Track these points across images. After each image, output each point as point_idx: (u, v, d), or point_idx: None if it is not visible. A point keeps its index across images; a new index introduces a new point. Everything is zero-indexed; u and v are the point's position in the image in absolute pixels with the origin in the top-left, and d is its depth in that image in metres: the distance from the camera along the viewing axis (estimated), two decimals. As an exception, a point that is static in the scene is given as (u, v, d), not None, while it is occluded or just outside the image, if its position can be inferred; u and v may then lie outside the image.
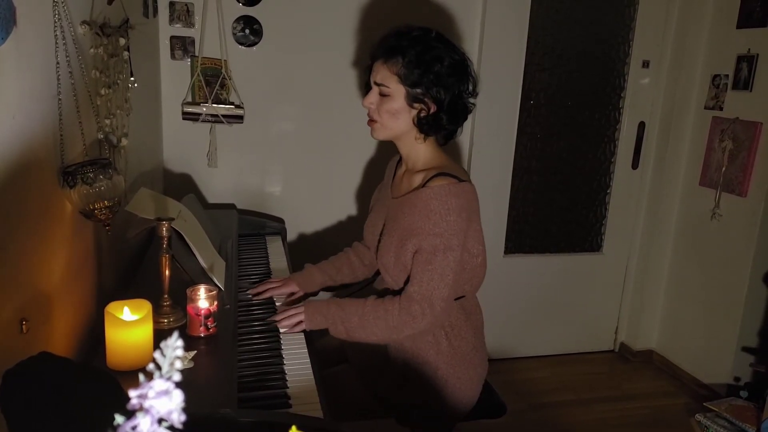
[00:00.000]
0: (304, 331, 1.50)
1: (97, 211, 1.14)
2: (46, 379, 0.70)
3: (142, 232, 1.53)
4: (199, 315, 1.27)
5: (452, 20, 2.54)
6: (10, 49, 0.88)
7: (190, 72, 2.32)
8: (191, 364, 1.17)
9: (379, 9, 2.45)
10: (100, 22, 1.34)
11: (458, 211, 1.41)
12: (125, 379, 0.72)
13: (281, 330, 1.49)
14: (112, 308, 1.11)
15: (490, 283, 1.63)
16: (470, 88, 1.51)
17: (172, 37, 2.29)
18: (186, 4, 2.27)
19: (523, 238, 2.91)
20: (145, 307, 1.13)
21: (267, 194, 2.53)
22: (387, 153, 1.68)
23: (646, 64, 2.82)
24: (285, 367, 1.33)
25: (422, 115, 1.46)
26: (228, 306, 1.44)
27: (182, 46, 2.31)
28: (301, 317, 1.49)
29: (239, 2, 2.31)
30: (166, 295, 1.33)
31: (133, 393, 0.41)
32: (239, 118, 2.34)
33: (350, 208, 2.64)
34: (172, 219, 1.33)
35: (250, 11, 2.33)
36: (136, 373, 0.64)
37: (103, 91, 1.32)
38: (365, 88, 1.54)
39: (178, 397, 0.41)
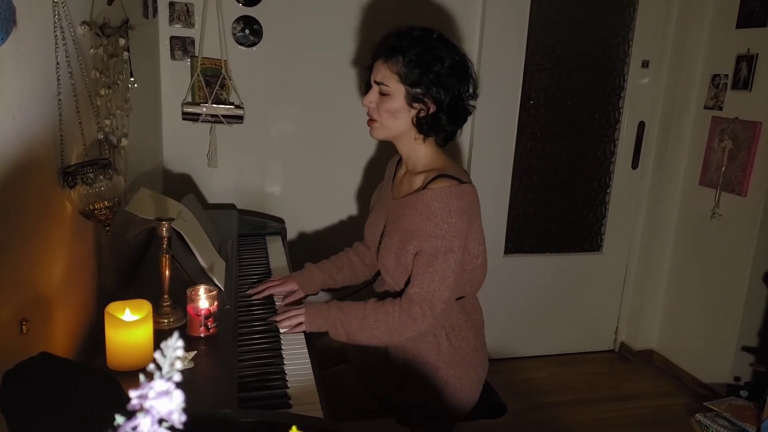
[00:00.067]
0: (304, 331, 1.50)
1: (97, 212, 1.14)
2: (46, 380, 0.70)
3: (142, 233, 1.53)
4: (199, 315, 1.27)
5: (452, 20, 2.54)
6: (10, 50, 0.88)
7: (190, 72, 2.32)
8: (191, 365, 1.17)
9: (379, 9, 2.45)
10: (100, 22, 1.34)
11: (459, 213, 1.41)
12: (125, 379, 0.72)
13: (281, 330, 1.49)
14: (112, 309, 1.11)
15: (490, 283, 1.63)
16: (470, 90, 1.51)
17: (172, 38, 2.29)
18: (186, 5, 2.27)
19: (523, 238, 2.91)
20: (145, 307, 1.13)
21: (267, 194, 2.53)
22: (387, 153, 1.68)
23: (645, 64, 2.82)
24: (285, 368, 1.33)
25: (421, 115, 1.46)
26: (228, 306, 1.44)
27: (182, 46, 2.31)
28: (302, 318, 1.49)
29: (239, 2, 2.32)
30: (166, 296, 1.33)
31: (133, 393, 0.41)
32: (239, 119, 2.34)
33: (350, 208, 2.64)
34: (172, 219, 1.33)
35: (250, 11, 2.33)
36: (137, 373, 0.64)
37: (103, 92, 1.32)
38: (366, 88, 1.54)
39: (178, 397, 0.41)
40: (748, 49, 2.49)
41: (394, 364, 1.54)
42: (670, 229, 2.91)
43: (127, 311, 1.12)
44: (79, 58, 1.20)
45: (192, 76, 2.32)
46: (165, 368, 0.41)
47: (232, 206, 2.44)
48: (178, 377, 0.41)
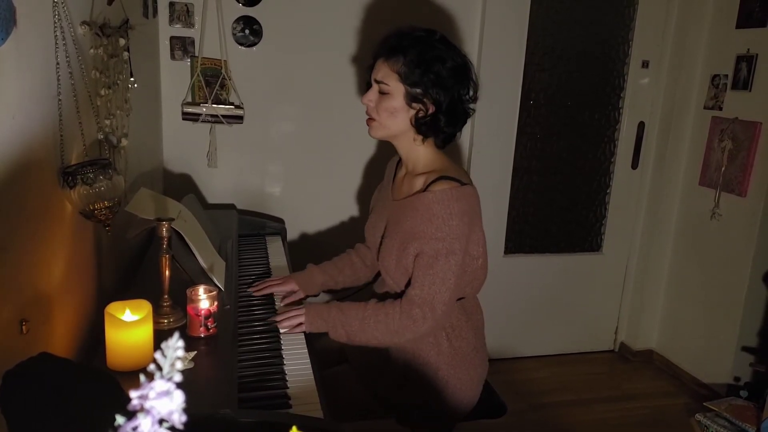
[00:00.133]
0: (304, 331, 1.50)
1: (97, 212, 1.14)
2: (46, 380, 0.70)
3: (142, 233, 1.53)
4: (199, 315, 1.27)
5: (452, 20, 2.54)
6: (10, 50, 0.88)
7: (190, 72, 2.32)
8: (191, 365, 1.17)
9: (379, 9, 2.45)
10: (100, 22, 1.34)
11: (460, 215, 1.40)
12: (125, 379, 0.72)
13: (281, 331, 1.49)
14: (112, 309, 1.11)
15: (490, 283, 1.63)
16: (470, 92, 1.50)
17: (171, 38, 2.29)
18: (186, 5, 2.27)
19: (523, 238, 2.91)
20: (145, 307, 1.13)
21: (267, 194, 2.53)
22: (387, 153, 1.68)
23: (645, 64, 2.82)
24: (285, 368, 1.33)
25: (420, 115, 1.46)
26: (228, 306, 1.44)
27: (182, 46, 2.31)
28: (302, 319, 1.49)
29: (239, 2, 2.31)
30: (166, 296, 1.33)
31: (133, 394, 0.41)
32: (239, 119, 2.34)
33: (350, 208, 2.64)
34: (172, 219, 1.33)
35: (249, 11, 2.33)
36: (137, 373, 0.64)
37: (103, 92, 1.32)
38: (366, 87, 1.54)
39: (178, 397, 0.41)
40: (748, 49, 2.49)
41: (394, 365, 1.54)
42: (670, 229, 2.91)
43: (127, 311, 1.12)
44: (79, 58, 1.20)
45: (192, 76, 2.32)
46: (165, 368, 0.41)
47: (232, 206, 2.44)
48: (178, 377, 0.41)
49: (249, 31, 2.35)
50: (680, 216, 2.88)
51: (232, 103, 2.35)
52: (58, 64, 1.08)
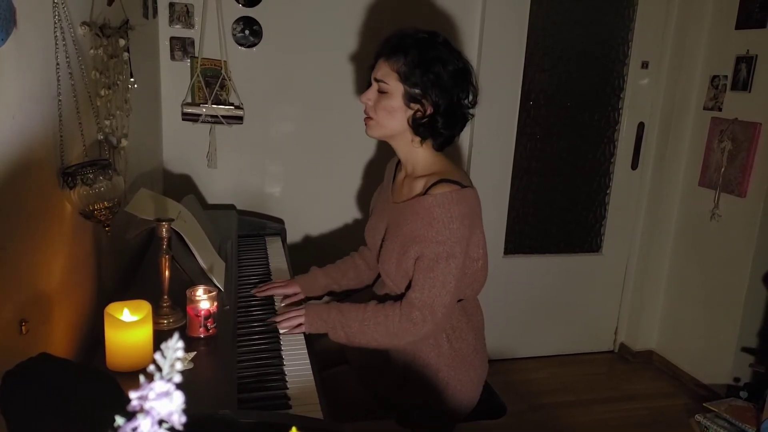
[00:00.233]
0: (303, 332, 1.50)
1: (97, 212, 1.14)
2: (46, 380, 0.70)
3: (142, 233, 1.53)
4: (199, 316, 1.27)
5: (452, 20, 2.54)
6: (10, 50, 0.88)
7: (190, 73, 2.32)
8: (191, 366, 1.17)
9: (379, 9, 2.45)
10: (100, 23, 1.34)
11: (461, 218, 1.40)
12: (125, 380, 0.72)
13: (281, 331, 1.48)
14: (112, 309, 1.11)
15: (489, 283, 1.63)
16: (470, 97, 1.50)
17: (171, 38, 2.29)
18: (186, 5, 2.27)
19: (522, 238, 2.91)
20: (144, 308, 1.13)
21: (267, 195, 2.53)
22: (387, 153, 1.68)
23: (645, 65, 2.82)
24: (285, 368, 1.33)
25: (418, 116, 1.45)
26: (228, 307, 1.44)
27: (182, 46, 2.31)
28: (302, 320, 1.49)
29: (239, 3, 2.32)
30: (165, 296, 1.33)
31: (133, 394, 0.41)
32: (239, 119, 2.34)
33: (350, 209, 2.64)
34: (172, 220, 1.33)
35: (249, 12, 2.33)
36: (136, 374, 0.64)
37: (102, 92, 1.32)
38: (367, 87, 1.54)
39: (178, 398, 0.41)
40: (748, 50, 2.49)
41: (394, 365, 1.54)
42: (670, 229, 2.91)
43: (127, 312, 1.12)
44: (79, 58, 1.20)
45: (192, 76, 2.32)
46: (165, 369, 0.41)
47: (231, 207, 2.44)
48: (178, 378, 0.41)
49: (249, 31, 2.35)
50: (680, 216, 2.88)
51: (231, 104, 2.35)
52: (58, 64, 1.08)
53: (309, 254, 2.54)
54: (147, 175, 2.05)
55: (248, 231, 2.24)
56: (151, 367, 0.41)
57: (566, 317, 3.02)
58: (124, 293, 1.37)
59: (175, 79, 2.32)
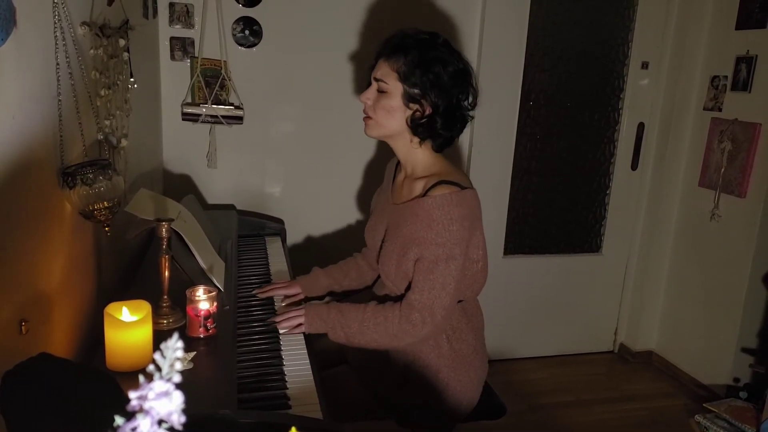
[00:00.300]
0: (303, 332, 1.50)
1: (97, 212, 1.14)
2: (46, 380, 0.70)
3: (142, 233, 1.53)
4: (199, 316, 1.27)
5: (452, 20, 2.54)
6: (10, 50, 0.88)
7: (190, 73, 2.32)
8: (191, 366, 1.17)
9: (379, 9, 2.45)
10: (100, 23, 1.34)
11: (461, 220, 1.40)
12: (125, 380, 0.72)
13: (281, 331, 1.48)
14: (112, 309, 1.11)
15: (489, 284, 1.62)
16: (470, 99, 1.49)
17: (171, 38, 2.29)
18: (186, 5, 2.27)
19: (522, 238, 2.91)
20: (144, 308, 1.13)
21: (267, 195, 2.53)
22: (387, 153, 1.68)
23: (645, 65, 2.82)
24: (284, 368, 1.33)
25: (417, 116, 1.45)
26: (227, 307, 1.44)
27: (182, 47, 2.31)
28: (301, 320, 1.49)
29: (239, 3, 2.32)
30: (165, 296, 1.33)
31: (133, 394, 0.41)
32: (239, 119, 2.34)
33: (350, 209, 2.64)
34: (172, 220, 1.33)
35: (249, 12, 2.33)
36: (136, 374, 0.64)
37: (102, 92, 1.32)
38: (367, 87, 1.54)
39: (178, 398, 0.41)
40: (748, 50, 2.49)
41: (394, 366, 1.54)
42: (670, 230, 2.91)
43: (127, 312, 1.12)
44: (79, 58, 1.20)
45: (192, 76, 2.32)
46: (164, 369, 0.41)
47: (231, 207, 2.44)
48: (177, 378, 0.41)
49: (249, 31, 2.35)
50: (680, 217, 2.88)
51: (231, 104, 2.35)
52: (58, 64, 1.08)
53: (309, 254, 2.55)
54: (147, 175, 2.05)
55: (248, 231, 2.24)
56: (151, 367, 0.41)
57: (566, 317, 3.02)
58: (124, 293, 1.37)
59: (175, 79, 2.32)
